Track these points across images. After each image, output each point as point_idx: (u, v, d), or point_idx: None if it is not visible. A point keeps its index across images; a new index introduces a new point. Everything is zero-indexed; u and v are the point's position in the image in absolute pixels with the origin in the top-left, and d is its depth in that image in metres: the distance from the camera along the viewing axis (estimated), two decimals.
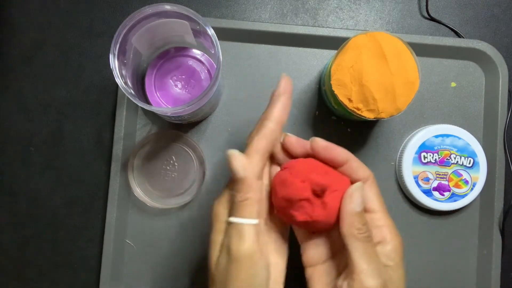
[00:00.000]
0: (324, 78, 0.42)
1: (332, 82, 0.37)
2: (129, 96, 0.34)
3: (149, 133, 0.45)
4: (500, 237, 0.44)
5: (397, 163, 0.46)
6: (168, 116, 0.40)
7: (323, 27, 0.46)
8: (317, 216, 0.29)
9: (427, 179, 0.44)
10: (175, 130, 0.45)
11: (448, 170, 0.44)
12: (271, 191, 0.32)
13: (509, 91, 0.45)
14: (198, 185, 0.44)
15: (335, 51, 0.40)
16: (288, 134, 0.32)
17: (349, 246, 0.28)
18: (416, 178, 0.44)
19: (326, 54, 0.46)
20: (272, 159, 0.33)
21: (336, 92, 0.37)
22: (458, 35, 0.48)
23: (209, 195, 0.45)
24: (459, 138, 0.44)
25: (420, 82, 0.37)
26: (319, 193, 0.29)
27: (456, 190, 0.44)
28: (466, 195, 0.44)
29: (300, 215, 0.30)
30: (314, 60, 0.46)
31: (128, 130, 0.45)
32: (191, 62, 0.43)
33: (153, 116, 0.46)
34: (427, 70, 0.46)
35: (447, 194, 0.44)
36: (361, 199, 0.29)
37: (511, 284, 0.46)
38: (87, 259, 0.46)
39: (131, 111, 0.45)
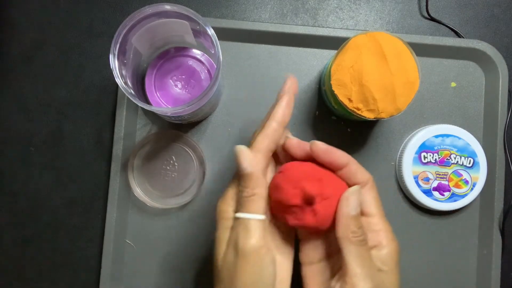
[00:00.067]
0: (324, 78, 0.42)
1: (332, 82, 0.37)
2: (129, 96, 0.34)
3: (149, 133, 0.45)
4: (500, 237, 0.44)
5: (397, 163, 0.46)
6: (168, 116, 0.40)
7: (323, 27, 0.46)
8: (307, 222, 0.30)
9: (427, 179, 0.44)
10: (175, 130, 0.45)
11: (448, 170, 0.44)
12: (269, 191, 0.32)
13: (509, 91, 0.45)
14: (198, 185, 0.44)
15: (335, 51, 0.40)
16: (290, 136, 0.32)
17: (343, 249, 0.29)
18: (416, 178, 0.44)
19: (326, 54, 0.46)
20: (276, 158, 0.33)
21: (336, 92, 0.37)
22: (458, 35, 0.48)
23: (209, 195, 0.45)
24: (459, 138, 0.44)
25: (420, 82, 0.37)
26: (308, 201, 0.29)
27: (456, 190, 0.44)
28: (466, 195, 0.44)
29: (291, 220, 0.30)
30: (314, 60, 0.46)
31: (128, 130, 0.45)
32: (191, 62, 0.43)
33: (153, 116, 0.46)
34: (427, 70, 0.46)
35: (447, 194, 0.44)
36: (357, 202, 0.29)
37: (511, 284, 0.46)
38: (87, 259, 0.46)
39: (131, 111, 0.45)
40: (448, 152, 0.44)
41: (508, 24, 0.48)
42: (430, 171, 0.44)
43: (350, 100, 0.37)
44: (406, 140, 0.46)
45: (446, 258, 0.45)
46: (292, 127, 0.45)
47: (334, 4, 0.48)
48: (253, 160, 0.30)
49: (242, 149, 0.30)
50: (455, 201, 0.44)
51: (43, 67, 0.47)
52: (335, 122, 0.46)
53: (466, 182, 0.44)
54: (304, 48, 0.46)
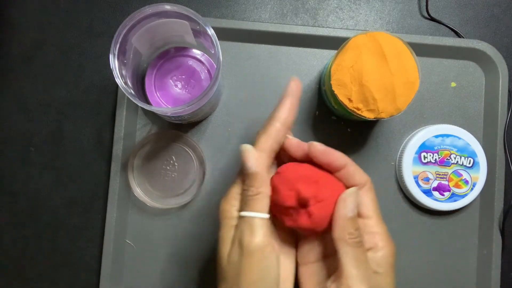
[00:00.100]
0: (324, 78, 0.42)
1: (332, 82, 0.37)
2: (129, 96, 0.34)
3: (149, 133, 0.45)
4: (500, 237, 0.44)
5: (397, 163, 0.46)
6: (168, 116, 0.40)
7: (323, 27, 0.46)
8: (302, 224, 0.30)
9: (427, 179, 0.44)
10: (175, 130, 0.45)
11: (448, 170, 0.44)
12: None
13: (509, 91, 0.45)
14: (198, 185, 0.44)
15: (335, 51, 0.40)
16: (290, 136, 0.32)
17: (339, 250, 0.29)
18: (416, 178, 0.44)
19: (326, 54, 0.46)
20: (279, 158, 0.34)
21: (336, 92, 0.37)
22: (458, 35, 0.48)
23: (209, 195, 0.45)
24: (459, 138, 0.44)
25: (420, 82, 0.37)
26: (303, 203, 0.30)
27: (456, 190, 0.44)
28: (466, 195, 0.44)
29: (287, 221, 0.31)
30: (314, 60, 0.46)
31: (128, 130, 0.45)
32: (191, 62, 0.43)
33: (153, 116, 0.46)
34: (427, 70, 0.46)
35: (447, 194, 0.44)
36: (355, 204, 0.29)
37: (511, 284, 0.46)
38: (87, 259, 0.46)
39: (131, 111, 0.45)
40: (448, 152, 0.44)
41: (508, 24, 0.48)
42: (430, 171, 0.44)
43: (350, 100, 0.37)
44: (406, 140, 0.46)
45: (446, 258, 0.45)
46: (292, 127, 0.45)
47: (334, 4, 0.48)
48: (259, 159, 0.30)
49: (248, 148, 0.30)
50: (455, 201, 0.44)
51: (43, 67, 0.47)
52: (335, 122, 0.46)
53: (466, 182, 0.44)
54: (304, 48, 0.46)
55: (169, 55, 0.43)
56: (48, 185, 0.46)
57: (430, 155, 0.44)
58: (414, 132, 0.46)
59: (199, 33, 0.37)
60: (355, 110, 0.37)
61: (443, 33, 0.48)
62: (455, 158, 0.44)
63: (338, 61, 0.37)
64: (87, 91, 0.47)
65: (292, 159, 0.32)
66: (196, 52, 0.43)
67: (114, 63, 0.35)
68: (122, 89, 0.35)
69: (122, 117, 0.44)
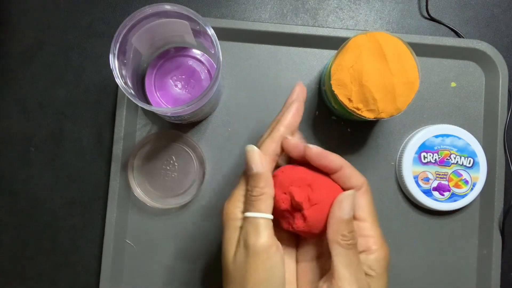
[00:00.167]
0: (324, 78, 0.42)
1: (332, 82, 0.37)
2: (129, 96, 0.34)
3: (149, 133, 0.45)
4: (500, 237, 0.44)
5: (397, 163, 0.46)
6: (168, 116, 0.40)
7: (323, 27, 0.46)
8: (298, 227, 0.30)
9: (427, 179, 0.44)
10: (175, 130, 0.45)
11: (448, 170, 0.44)
12: None
13: (509, 91, 0.45)
14: (198, 185, 0.44)
15: (335, 51, 0.40)
16: (288, 137, 0.32)
17: (332, 251, 0.29)
18: (416, 178, 0.44)
19: (326, 54, 0.46)
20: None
21: (336, 92, 0.37)
22: (458, 35, 0.48)
23: (209, 195, 0.45)
24: (459, 138, 0.44)
25: (420, 82, 0.37)
26: (296, 207, 0.30)
27: (456, 190, 0.44)
28: (466, 195, 0.44)
29: (284, 224, 0.31)
30: (314, 60, 0.46)
31: (128, 130, 0.45)
32: (191, 62, 0.43)
33: (153, 116, 0.46)
34: (427, 70, 0.46)
35: (447, 194, 0.44)
36: (351, 206, 0.29)
37: (511, 284, 0.46)
38: (87, 259, 0.46)
39: (131, 111, 0.45)
40: (448, 152, 0.44)
41: (508, 24, 0.48)
42: (430, 171, 0.44)
43: (350, 100, 0.37)
44: (406, 140, 0.46)
45: (446, 258, 0.45)
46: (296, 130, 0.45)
47: (334, 4, 0.48)
48: (264, 160, 0.30)
49: (253, 149, 0.30)
50: (455, 201, 0.44)
51: (43, 67, 0.47)
52: (335, 122, 0.46)
53: (466, 182, 0.44)
54: (304, 48, 0.46)
55: (169, 55, 0.43)
56: (48, 185, 0.46)
57: (430, 155, 0.44)
58: (414, 132, 0.46)
59: (199, 33, 0.37)
60: (355, 110, 0.37)
61: (443, 33, 0.48)
62: (455, 158, 0.44)
63: (338, 61, 0.37)
64: (87, 91, 0.47)
65: (293, 160, 0.32)
66: (196, 52, 0.43)
67: (114, 63, 0.35)
68: (122, 89, 0.34)
69: (122, 117, 0.44)
